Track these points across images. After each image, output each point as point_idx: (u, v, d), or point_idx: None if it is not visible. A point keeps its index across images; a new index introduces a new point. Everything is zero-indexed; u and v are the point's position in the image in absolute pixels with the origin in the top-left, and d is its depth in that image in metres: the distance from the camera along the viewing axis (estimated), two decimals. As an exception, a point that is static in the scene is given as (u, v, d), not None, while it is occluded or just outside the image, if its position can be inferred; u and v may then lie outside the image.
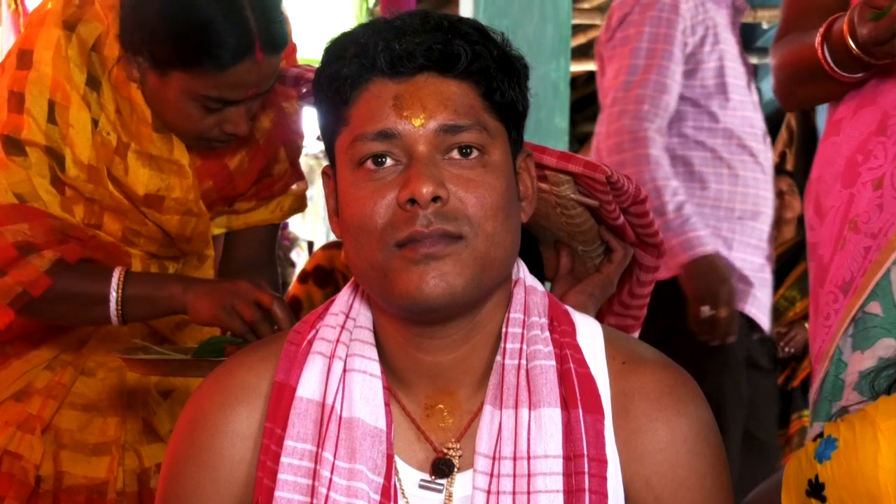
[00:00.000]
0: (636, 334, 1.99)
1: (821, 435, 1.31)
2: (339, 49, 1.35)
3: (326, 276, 2.51)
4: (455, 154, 1.31)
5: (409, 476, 1.37)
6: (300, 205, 2.33)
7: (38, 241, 1.97)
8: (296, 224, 9.26)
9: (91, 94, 2.04)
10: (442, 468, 1.36)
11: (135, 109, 2.05)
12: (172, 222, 2.14)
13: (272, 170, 2.25)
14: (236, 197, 2.24)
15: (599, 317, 1.88)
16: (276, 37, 1.99)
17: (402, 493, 1.36)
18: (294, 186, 2.30)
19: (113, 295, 2.00)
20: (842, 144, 1.88)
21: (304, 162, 2.40)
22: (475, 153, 1.32)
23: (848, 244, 1.82)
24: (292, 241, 7.78)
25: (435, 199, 1.28)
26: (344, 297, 1.44)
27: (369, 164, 1.32)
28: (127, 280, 2.00)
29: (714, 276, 3.03)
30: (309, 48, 2.32)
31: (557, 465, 1.31)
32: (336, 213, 1.39)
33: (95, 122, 2.04)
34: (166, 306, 2.03)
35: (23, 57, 2.03)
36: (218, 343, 1.95)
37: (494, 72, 1.34)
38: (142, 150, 2.07)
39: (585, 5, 7.62)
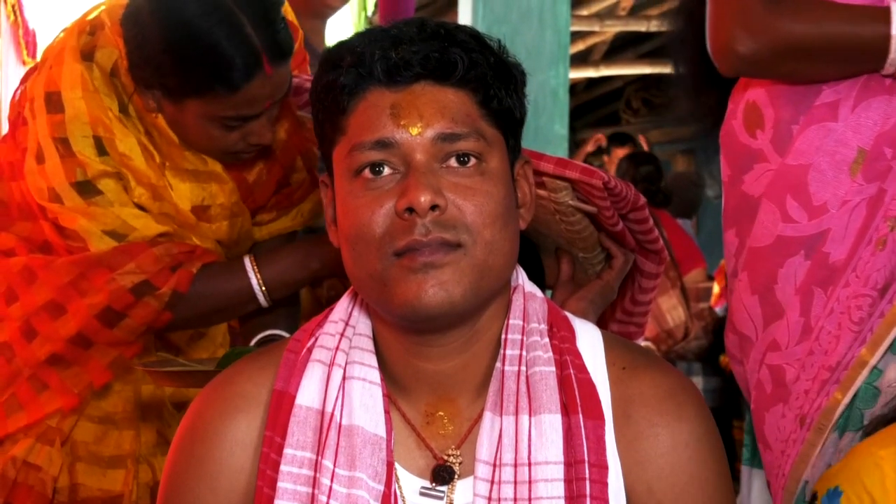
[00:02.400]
0: (639, 342, 1.98)
1: (814, 496, 1.31)
2: (336, 58, 1.35)
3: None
4: (452, 162, 1.31)
5: (410, 483, 1.37)
6: (320, 209, 2.33)
7: (150, 278, 2.00)
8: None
9: (127, 120, 2.05)
10: (442, 475, 1.36)
11: (161, 133, 2.06)
12: (223, 229, 2.16)
13: (290, 179, 2.26)
14: (257, 209, 2.25)
15: (602, 324, 1.87)
16: (282, 46, 2.00)
17: (403, 501, 1.36)
18: (313, 194, 2.32)
19: (256, 285, 2.07)
20: (845, 132, 1.76)
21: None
22: (473, 161, 1.32)
23: (890, 243, 1.71)
24: None
25: (433, 207, 1.28)
26: (343, 304, 1.43)
27: (367, 173, 1.31)
28: (259, 267, 2.08)
29: None
30: (307, 56, 2.32)
31: (558, 472, 1.31)
32: (334, 222, 1.39)
33: (139, 142, 2.06)
34: (307, 277, 2.14)
35: (51, 100, 2.02)
36: (241, 354, 1.95)
37: (491, 79, 1.34)
38: (177, 166, 2.09)
39: (584, 12, 7.64)
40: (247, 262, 2.08)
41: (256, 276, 2.07)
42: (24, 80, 2.15)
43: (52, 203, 2.02)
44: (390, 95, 1.32)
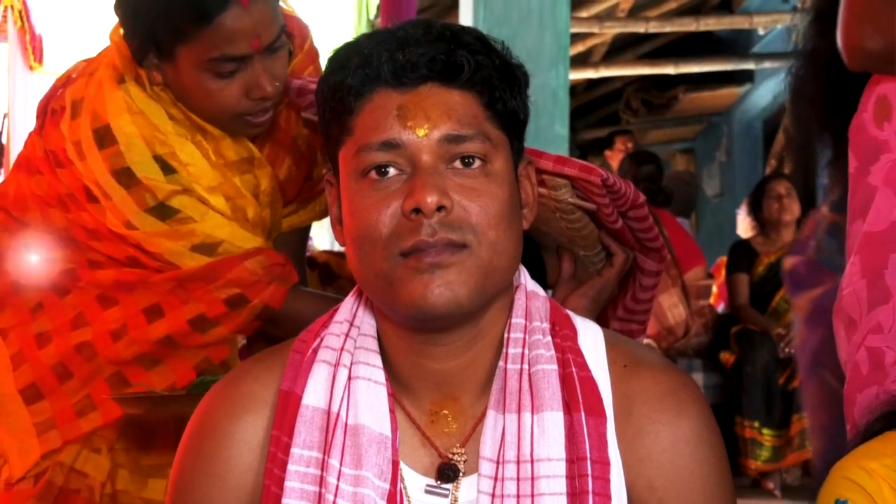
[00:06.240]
0: (641, 340, 1.99)
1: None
2: (343, 59, 1.36)
3: (331, 278, 2.55)
4: (458, 164, 1.32)
5: (415, 482, 1.38)
6: None
7: (245, 291, 2.02)
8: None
9: (177, 126, 2.05)
10: (447, 473, 1.37)
11: (205, 130, 2.07)
12: (267, 216, 2.17)
13: (313, 173, 2.28)
14: (284, 204, 2.27)
15: (603, 323, 1.88)
16: None
17: (408, 499, 1.37)
18: None
19: None
20: None
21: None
22: (478, 163, 1.33)
23: None
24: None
25: (439, 208, 1.29)
26: (348, 305, 1.45)
27: (373, 173, 1.33)
28: None
29: None
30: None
31: (561, 468, 1.32)
32: (338, 222, 1.40)
33: (195, 142, 2.06)
34: None
35: (100, 135, 2.02)
36: (210, 383, 1.96)
37: (496, 81, 1.35)
38: (226, 161, 2.10)
39: (583, 14, 7.65)
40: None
41: None
42: (62, 86, 2.14)
43: (130, 231, 2.02)
44: (397, 97, 1.33)
